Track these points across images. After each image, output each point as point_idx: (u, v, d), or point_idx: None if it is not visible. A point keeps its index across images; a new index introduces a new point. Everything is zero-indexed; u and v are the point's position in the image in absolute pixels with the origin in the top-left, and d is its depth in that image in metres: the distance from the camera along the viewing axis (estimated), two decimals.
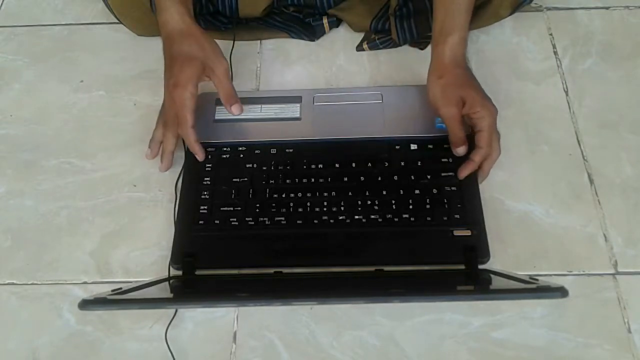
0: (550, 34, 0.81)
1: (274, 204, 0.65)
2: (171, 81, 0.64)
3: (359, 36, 0.82)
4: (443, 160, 0.66)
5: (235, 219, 0.65)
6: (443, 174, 0.66)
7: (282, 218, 0.65)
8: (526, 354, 0.59)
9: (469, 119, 0.65)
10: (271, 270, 0.63)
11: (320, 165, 0.68)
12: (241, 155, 0.69)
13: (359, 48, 0.81)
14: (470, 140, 0.65)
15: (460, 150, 0.65)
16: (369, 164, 0.68)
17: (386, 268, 0.62)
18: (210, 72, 0.65)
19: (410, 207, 0.64)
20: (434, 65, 0.67)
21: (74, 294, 0.64)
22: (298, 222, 0.64)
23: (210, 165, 0.69)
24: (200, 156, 0.68)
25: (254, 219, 0.65)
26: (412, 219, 0.64)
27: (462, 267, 0.61)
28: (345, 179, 0.67)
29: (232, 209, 0.66)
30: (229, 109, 0.67)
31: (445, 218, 0.64)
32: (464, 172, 0.65)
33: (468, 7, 0.66)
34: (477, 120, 0.64)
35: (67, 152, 0.74)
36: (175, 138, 0.67)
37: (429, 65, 0.67)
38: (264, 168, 0.68)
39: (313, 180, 0.67)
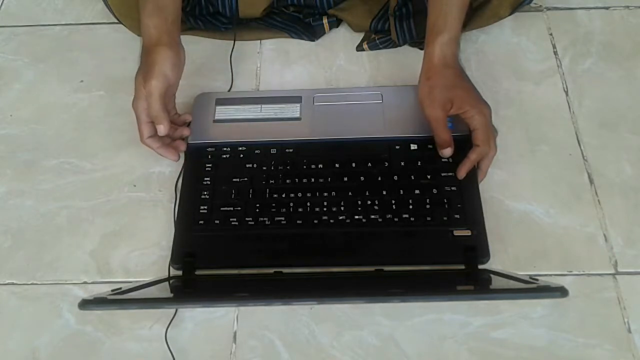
0: (550, 34, 0.81)
1: (274, 204, 0.65)
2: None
3: (359, 36, 0.82)
4: (443, 160, 0.66)
5: (235, 219, 0.65)
6: (443, 174, 0.66)
7: (282, 218, 0.65)
8: (526, 354, 0.59)
9: (462, 119, 0.65)
10: (271, 270, 0.63)
11: (320, 165, 0.68)
12: (241, 155, 0.69)
13: (359, 48, 0.81)
14: (468, 140, 0.65)
15: (446, 152, 0.65)
16: (369, 164, 0.68)
17: (386, 268, 0.62)
18: (145, 89, 0.63)
19: (410, 207, 0.64)
20: (423, 66, 0.67)
21: (74, 294, 0.64)
22: (298, 222, 0.64)
23: (210, 165, 0.69)
24: (172, 158, 0.69)
25: (254, 219, 0.65)
26: (412, 219, 0.64)
27: (462, 267, 0.61)
28: (345, 179, 0.67)
29: (232, 209, 0.66)
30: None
31: (445, 218, 0.64)
32: (462, 171, 0.65)
33: (460, 7, 0.66)
34: (468, 119, 0.64)
35: (67, 152, 0.74)
36: (146, 143, 0.67)
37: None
38: (264, 168, 0.68)
39: (313, 180, 0.67)
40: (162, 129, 0.64)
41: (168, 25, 0.65)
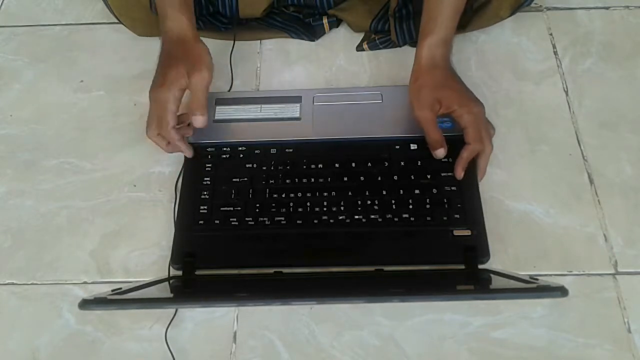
0: (550, 34, 0.81)
1: (273, 204, 0.66)
2: (156, 81, 0.65)
3: (359, 36, 0.82)
4: (443, 160, 0.66)
5: (235, 219, 0.65)
6: (443, 174, 0.66)
7: (282, 218, 0.65)
8: (526, 354, 0.59)
9: (453, 119, 0.65)
10: (271, 270, 0.63)
11: (320, 165, 0.68)
12: (241, 155, 0.69)
13: (359, 48, 0.81)
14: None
15: (439, 153, 0.65)
16: (369, 164, 0.68)
17: (386, 268, 0.62)
18: (189, 80, 0.64)
19: (410, 207, 0.64)
20: (413, 67, 0.67)
21: (74, 294, 0.64)
22: (298, 222, 0.64)
23: (210, 165, 0.69)
24: (188, 154, 0.68)
25: (254, 219, 0.65)
26: (412, 218, 0.64)
27: (462, 267, 0.61)
28: (345, 179, 0.67)
29: (232, 209, 0.66)
30: (191, 118, 0.65)
31: (445, 218, 0.64)
32: (458, 170, 0.65)
33: (453, 9, 0.67)
34: (457, 118, 0.64)
35: (67, 152, 0.74)
36: (158, 137, 0.66)
37: None
38: (264, 168, 0.68)
39: (313, 180, 0.67)
40: (203, 120, 0.64)
41: (194, 21, 0.67)
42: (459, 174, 0.65)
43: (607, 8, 0.83)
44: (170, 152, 0.68)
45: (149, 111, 0.66)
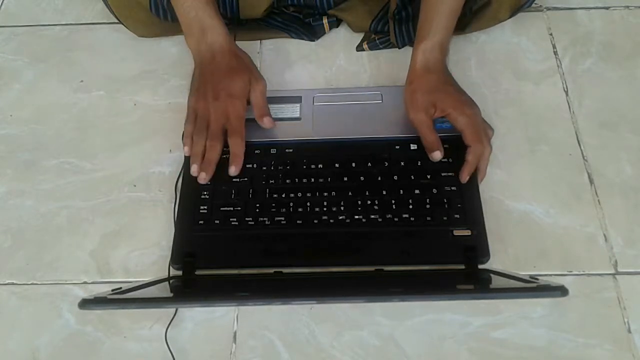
0: (550, 34, 0.81)
1: (274, 204, 0.65)
2: (223, 93, 0.66)
3: (359, 36, 0.82)
4: (443, 160, 0.66)
5: (235, 219, 0.65)
6: (443, 174, 0.66)
7: (282, 218, 0.65)
8: (526, 354, 0.59)
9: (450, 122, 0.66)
10: (271, 270, 0.63)
11: (320, 165, 0.68)
12: None
13: (359, 48, 0.81)
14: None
15: (435, 155, 0.65)
16: (369, 164, 0.68)
17: (386, 268, 0.62)
18: (252, 88, 0.67)
19: (410, 207, 0.64)
20: (408, 71, 0.68)
21: (74, 294, 0.64)
22: (298, 222, 0.64)
23: None
24: (239, 167, 0.66)
25: (254, 219, 0.65)
26: (412, 219, 0.64)
27: (462, 267, 0.61)
28: (345, 179, 0.67)
29: (232, 209, 0.66)
30: (260, 121, 0.68)
31: (445, 218, 0.64)
32: (464, 175, 0.65)
33: (448, 14, 0.67)
34: (452, 122, 0.65)
35: (67, 152, 0.74)
36: (222, 148, 0.66)
37: None
38: (264, 168, 0.68)
39: (313, 180, 0.67)
40: (272, 123, 0.68)
41: None
42: (464, 178, 0.65)
43: (607, 8, 0.83)
44: (209, 167, 0.66)
45: (209, 122, 0.66)
